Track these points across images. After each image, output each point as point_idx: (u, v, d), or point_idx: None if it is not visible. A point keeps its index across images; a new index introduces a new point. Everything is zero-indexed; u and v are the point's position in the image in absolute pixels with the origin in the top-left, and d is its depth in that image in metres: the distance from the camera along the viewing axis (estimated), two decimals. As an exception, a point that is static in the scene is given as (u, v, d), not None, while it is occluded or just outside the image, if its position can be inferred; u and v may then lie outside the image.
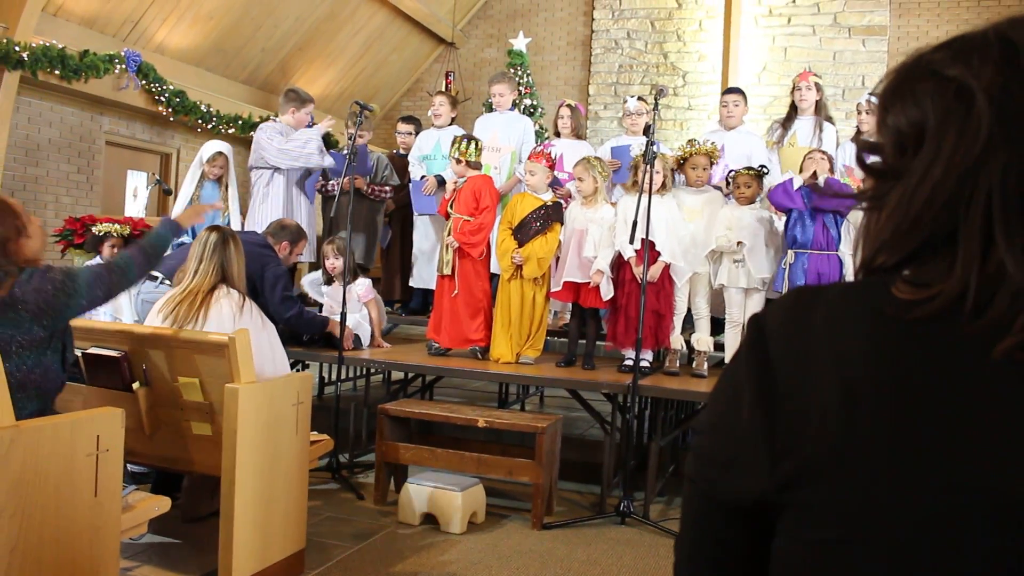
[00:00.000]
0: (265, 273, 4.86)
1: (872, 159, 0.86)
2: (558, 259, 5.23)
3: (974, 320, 0.73)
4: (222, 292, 3.86)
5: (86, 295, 2.96)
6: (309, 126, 6.52)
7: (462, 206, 5.30)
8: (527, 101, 10.30)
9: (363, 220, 6.44)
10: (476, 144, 5.42)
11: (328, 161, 6.27)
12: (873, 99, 5.69)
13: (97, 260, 5.57)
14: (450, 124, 6.66)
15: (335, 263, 5.55)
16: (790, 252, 4.91)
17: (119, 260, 3.20)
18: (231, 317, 3.78)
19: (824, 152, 5.12)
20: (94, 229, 6.62)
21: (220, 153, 6.12)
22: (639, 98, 6.31)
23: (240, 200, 6.40)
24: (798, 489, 0.78)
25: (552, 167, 5.35)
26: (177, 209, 5.97)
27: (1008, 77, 0.76)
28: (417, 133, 7.07)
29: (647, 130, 5.78)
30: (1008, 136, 0.74)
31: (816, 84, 5.93)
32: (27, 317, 2.79)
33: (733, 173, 5.26)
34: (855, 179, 5.35)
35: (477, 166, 5.43)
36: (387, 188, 6.50)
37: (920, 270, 0.78)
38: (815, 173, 4.90)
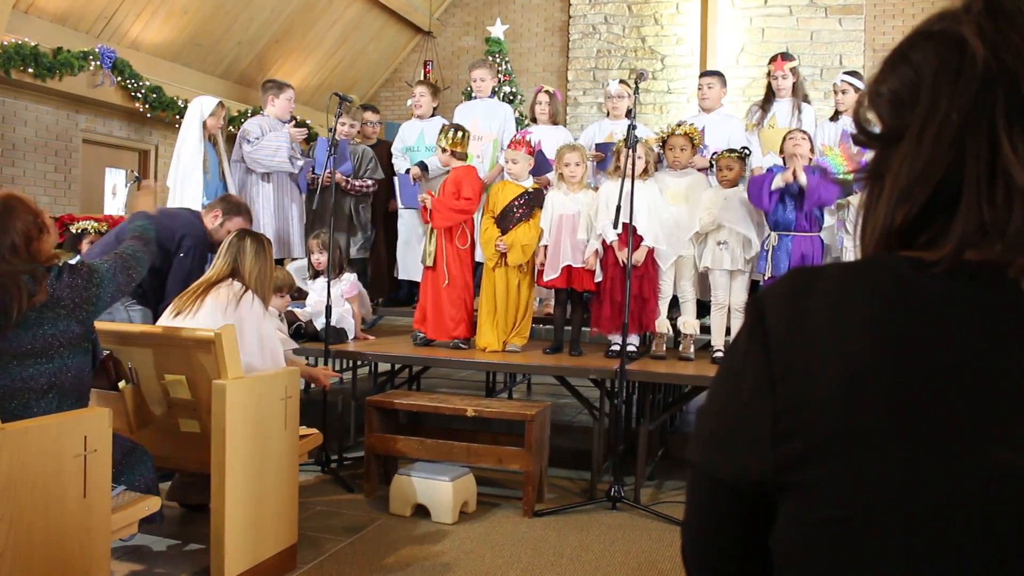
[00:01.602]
0: (183, 242, 4.61)
1: (870, 131, 0.87)
2: (545, 248, 5.22)
3: (998, 246, 0.74)
4: (226, 283, 3.84)
5: (111, 284, 3.02)
6: (293, 119, 6.45)
7: (444, 196, 5.29)
8: (506, 88, 10.27)
9: (346, 215, 6.34)
10: (465, 133, 5.42)
11: (299, 165, 6.16)
12: (848, 78, 5.74)
13: (77, 258, 5.49)
14: (432, 115, 6.63)
15: (319, 258, 5.53)
16: (773, 235, 4.92)
17: (125, 249, 3.21)
18: (224, 306, 3.74)
19: (804, 132, 5.13)
20: (72, 228, 6.57)
21: (221, 104, 6.01)
22: (621, 81, 6.31)
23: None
24: (803, 469, 0.78)
25: (532, 153, 5.34)
26: (183, 177, 5.76)
27: (995, 19, 0.78)
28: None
29: (629, 113, 5.80)
30: (1003, 67, 0.76)
31: (792, 70, 5.93)
32: (64, 314, 2.84)
33: (715, 156, 5.28)
34: (846, 153, 5.38)
35: (463, 156, 5.42)
36: (369, 183, 6.37)
37: (935, 235, 0.79)
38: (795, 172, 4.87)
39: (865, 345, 0.76)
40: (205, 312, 3.72)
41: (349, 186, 6.20)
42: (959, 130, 0.77)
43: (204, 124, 5.88)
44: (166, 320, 3.82)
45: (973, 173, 0.76)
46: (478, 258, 5.65)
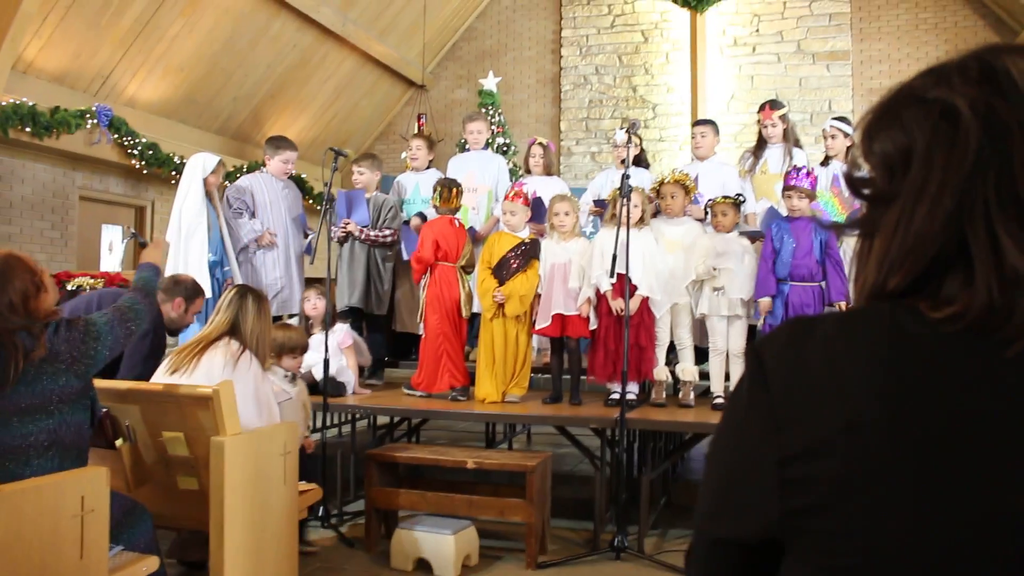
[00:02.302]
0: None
1: (861, 187, 0.88)
2: (539, 296, 5.22)
3: (1004, 327, 0.74)
4: (223, 342, 3.81)
5: (110, 337, 2.99)
6: (293, 176, 6.49)
7: None
8: (500, 140, 10.36)
9: (364, 267, 6.15)
10: (449, 189, 5.49)
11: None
12: (837, 124, 5.79)
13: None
14: (427, 167, 6.66)
15: (316, 303, 5.54)
16: (782, 287, 4.92)
17: (125, 302, 3.19)
18: (221, 366, 3.70)
19: (800, 189, 4.99)
20: (68, 285, 6.57)
21: (222, 162, 6.04)
22: (627, 130, 6.35)
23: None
24: (808, 517, 0.78)
25: (528, 204, 5.38)
26: (187, 233, 5.75)
27: (989, 93, 0.78)
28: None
29: (638, 161, 5.88)
30: (996, 147, 0.76)
31: (780, 117, 5.98)
32: (63, 368, 2.83)
33: (711, 202, 5.30)
34: (839, 197, 5.40)
35: (451, 211, 5.48)
36: (387, 232, 6.13)
37: (939, 291, 0.79)
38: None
39: (865, 393, 0.77)
40: (202, 372, 3.68)
41: (364, 236, 6.08)
42: (953, 214, 0.77)
43: (204, 181, 5.92)
44: (162, 377, 3.79)
45: (982, 257, 0.76)
46: (475, 308, 5.66)
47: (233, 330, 3.84)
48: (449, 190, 5.52)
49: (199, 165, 5.94)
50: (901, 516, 0.73)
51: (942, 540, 0.72)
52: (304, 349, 4.70)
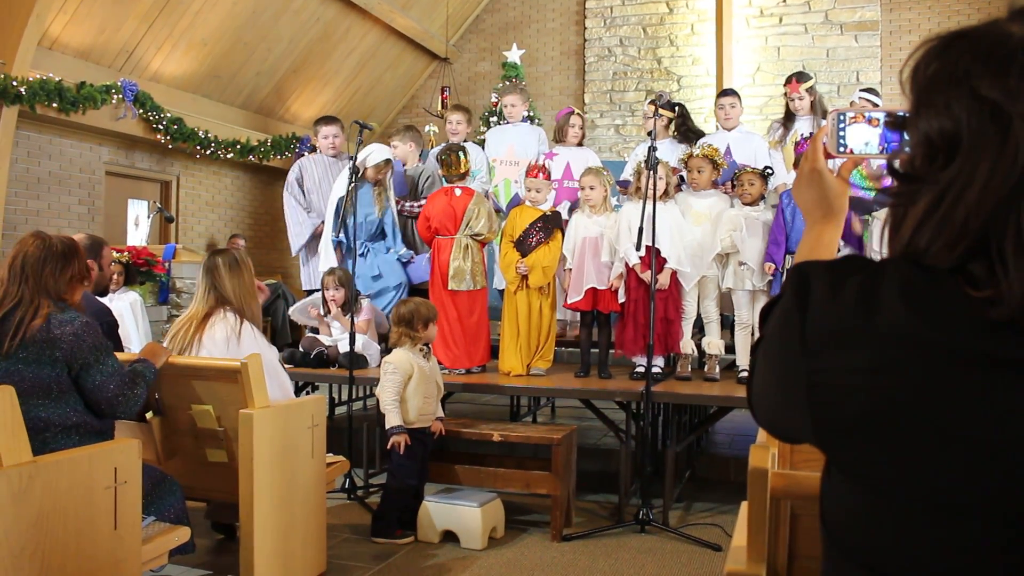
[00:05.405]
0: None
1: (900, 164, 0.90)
2: (568, 271, 5.21)
3: None
4: (218, 316, 3.73)
5: (106, 368, 2.92)
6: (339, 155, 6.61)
7: None
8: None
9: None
10: (451, 155, 5.43)
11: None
12: (867, 95, 5.70)
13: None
14: (466, 140, 6.62)
15: (335, 294, 5.49)
16: (788, 257, 4.89)
17: (143, 370, 3.15)
18: (224, 341, 3.67)
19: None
20: (96, 260, 6.62)
21: (388, 161, 5.98)
22: (653, 102, 6.29)
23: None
24: (836, 439, 0.86)
25: (548, 177, 5.34)
26: (330, 206, 5.99)
27: None
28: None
29: (650, 135, 5.80)
30: None
31: (807, 90, 5.89)
32: (59, 356, 2.83)
33: (737, 173, 5.25)
34: (867, 169, 5.34)
35: (460, 176, 5.43)
36: (423, 202, 5.98)
37: (964, 266, 0.81)
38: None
39: (897, 341, 0.80)
40: (205, 349, 3.66)
41: (400, 207, 6.07)
42: (985, 224, 0.79)
43: (364, 169, 5.85)
44: None
45: (1012, 272, 0.77)
46: (498, 284, 5.65)
47: (220, 299, 3.76)
48: (452, 156, 5.44)
49: (365, 154, 5.86)
50: (920, 450, 0.78)
51: (943, 484, 0.78)
52: (436, 318, 4.57)
